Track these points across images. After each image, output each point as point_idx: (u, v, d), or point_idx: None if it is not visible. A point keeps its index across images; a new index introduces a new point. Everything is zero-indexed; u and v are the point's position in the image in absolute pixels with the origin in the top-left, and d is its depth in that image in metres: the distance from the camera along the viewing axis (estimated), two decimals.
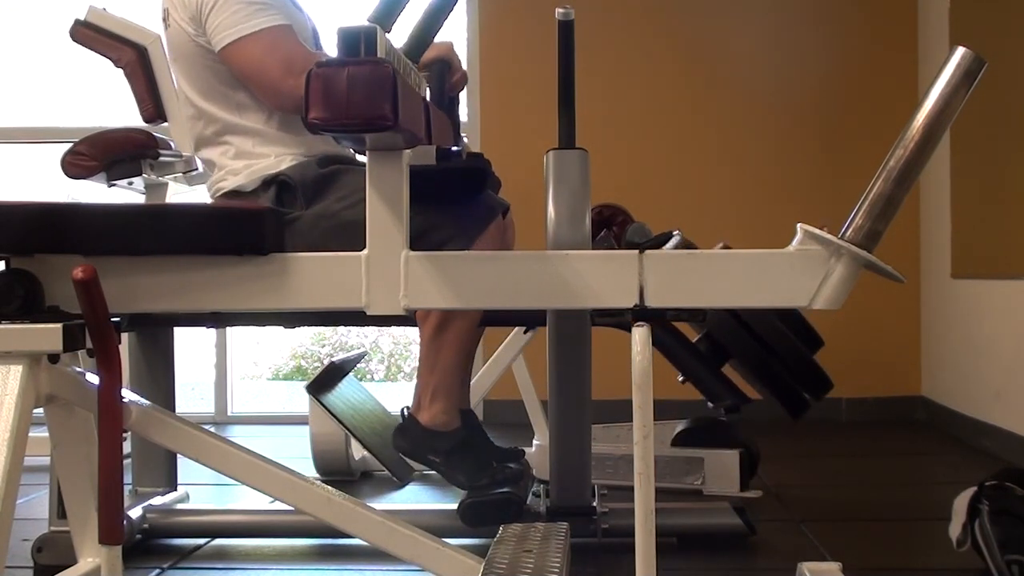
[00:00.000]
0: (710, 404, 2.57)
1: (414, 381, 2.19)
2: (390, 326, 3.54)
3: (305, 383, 2.93)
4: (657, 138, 4.53)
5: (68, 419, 1.54)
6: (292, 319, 2.35)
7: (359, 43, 1.30)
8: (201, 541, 2.41)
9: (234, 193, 2.10)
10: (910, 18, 4.46)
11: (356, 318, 2.41)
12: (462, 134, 1.94)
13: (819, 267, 1.43)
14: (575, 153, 2.14)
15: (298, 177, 2.03)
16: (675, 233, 2.11)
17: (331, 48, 2.24)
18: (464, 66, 2.16)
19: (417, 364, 2.18)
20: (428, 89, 2.03)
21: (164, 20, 2.14)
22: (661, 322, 2.10)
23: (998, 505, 1.93)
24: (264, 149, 2.10)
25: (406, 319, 2.15)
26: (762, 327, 2.17)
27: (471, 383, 3.01)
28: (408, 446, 2.16)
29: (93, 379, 1.47)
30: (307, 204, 2.00)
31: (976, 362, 3.79)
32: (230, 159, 2.12)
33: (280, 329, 2.47)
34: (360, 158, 1.48)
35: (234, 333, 4.80)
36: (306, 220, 1.96)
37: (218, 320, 2.45)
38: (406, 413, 2.16)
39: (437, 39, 2.11)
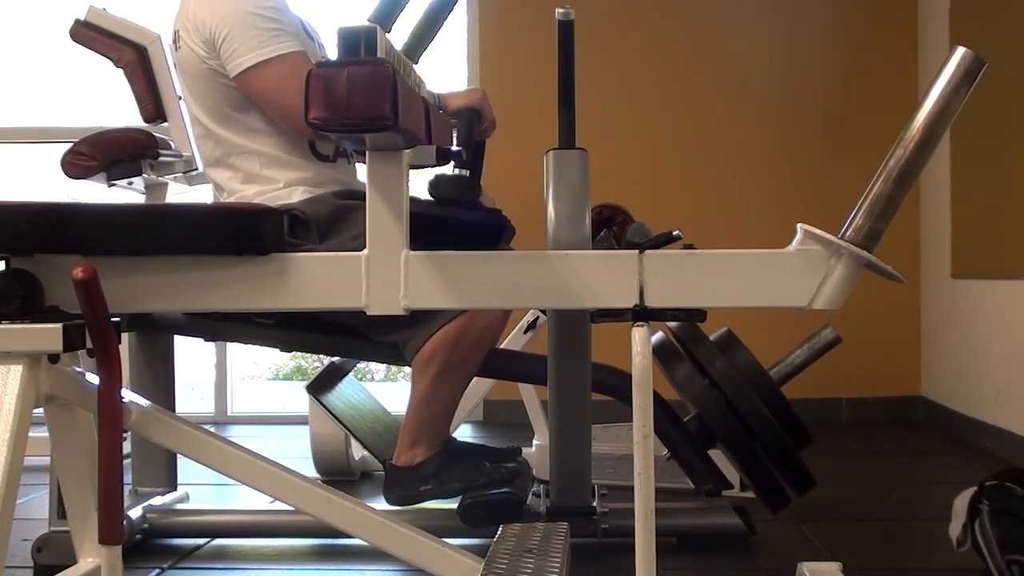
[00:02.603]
0: (691, 485, 2.58)
1: (401, 428, 2.17)
2: (387, 364, 3.54)
3: (305, 383, 2.93)
4: (657, 138, 4.53)
5: (68, 419, 1.54)
6: (289, 343, 2.35)
7: (359, 43, 1.30)
8: (201, 541, 2.41)
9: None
10: (910, 18, 4.46)
11: (352, 351, 2.41)
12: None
13: (819, 267, 1.43)
14: (575, 153, 2.14)
15: (311, 212, 2.02)
16: (676, 233, 2.11)
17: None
18: (465, 66, 2.17)
19: (407, 409, 2.14)
20: (455, 135, 2.03)
21: (174, 42, 2.15)
22: (657, 398, 2.10)
23: (998, 505, 1.93)
24: (271, 172, 2.11)
25: (402, 361, 2.14)
26: (752, 417, 2.18)
27: (471, 384, 3.01)
28: (399, 491, 2.13)
29: (93, 379, 1.46)
30: (320, 239, 2.00)
31: (976, 362, 3.79)
32: (239, 184, 2.12)
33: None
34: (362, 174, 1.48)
35: None
36: None
37: (216, 334, 2.45)
38: (387, 466, 2.16)
39: (468, 84, 2.11)
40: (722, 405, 2.20)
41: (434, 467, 2.10)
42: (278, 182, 2.10)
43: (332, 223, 2.02)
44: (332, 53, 2.25)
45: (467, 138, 2.04)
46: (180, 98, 2.87)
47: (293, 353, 7.80)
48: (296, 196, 2.08)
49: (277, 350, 2.44)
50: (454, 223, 1.71)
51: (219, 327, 2.31)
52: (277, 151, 2.11)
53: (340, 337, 2.22)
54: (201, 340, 2.50)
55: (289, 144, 2.12)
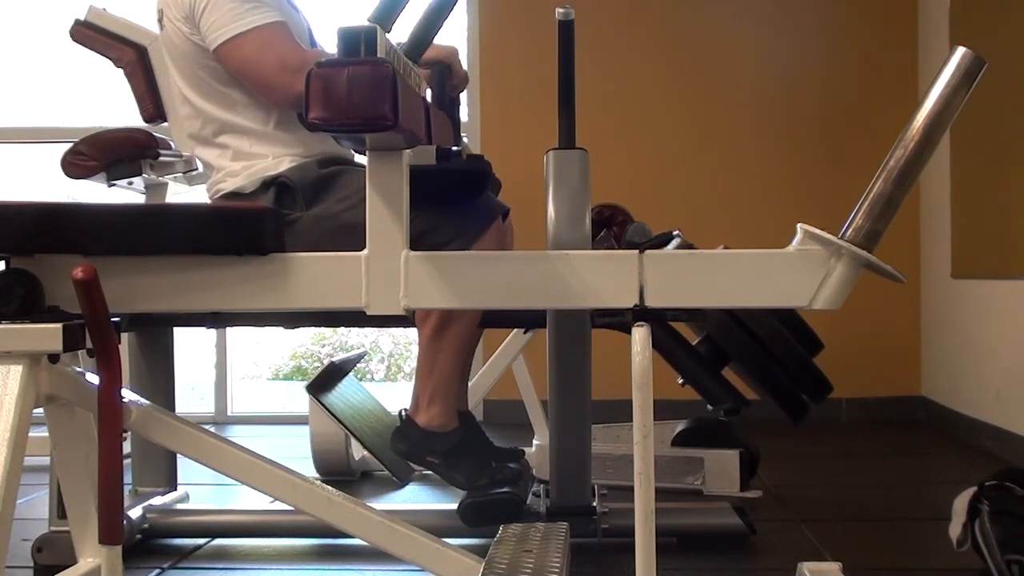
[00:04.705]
0: (709, 407, 2.57)
1: (413, 381, 2.19)
2: (389, 327, 3.57)
3: (305, 383, 2.93)
4: (657, 138, 4.53)
5: (68, 419, 1.54)
6: (292, 320, 2.35)
7: (359, 43, 1.30)
8: (201, 541, 2.41)
9: (233, 195, 2.10)
10: (910, 18, 4.46)
11: (356, 319, 2.41)
12: (462, 134, 1.96)
13: (819, 267, 1.43)
14: (575, 153, 2.14)
15: (297, 179, 2.03)
16: (675, 233, 2.12)
17: (327, 46, 2.26)
18: (465, 66, 2.18)
19: (416, 365, 2.18)
20: (429, 89, 2.05)
21: (159, 21, 2.15)
22: (661, 324, 2.10)
23: (998, 505, 1.93)
24: (261, 149, 2.10)
25: (405, 320, 2.15)
26: (761, 330, 2.17)
27: (471, 383, 3.02)
28: (406, 448, 2.16)
29: (93, 379, 1.46)
30: (307, 205, 2.00)
31: (976, 362, 3.79)
32: (228, 161, 2.12)
33: (280, 329, 2.47)
34: (359, 158, 1.47)
35: (234, 333, 4.81)
36: (306, 221, 1.96)
37: (218, 321, 2.45)
38: (404, 415, 2.17)
39: (442, 42, 2.15)
40: (729, 322, 2.19)
41: (448, 446, 2.11)
42: (266, 156, 2.10)
43: (317, 188, 2.02)
44: (315, 26, 2.27)
45: (440, 92, 2.05)
46: None
47: (293, 353, 7.82)
48: (283, 166, 2.08)
49: (281, 331, 2.44)
50: (438, 174, 1.71)
51: (220, 313, 2.30)
52: (265, 126, 2.11)
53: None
54: (203, 332, 2.50)
55: (278, 117, 2.11)
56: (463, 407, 2.17)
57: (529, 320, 2.63)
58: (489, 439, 2.22)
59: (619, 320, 1.50)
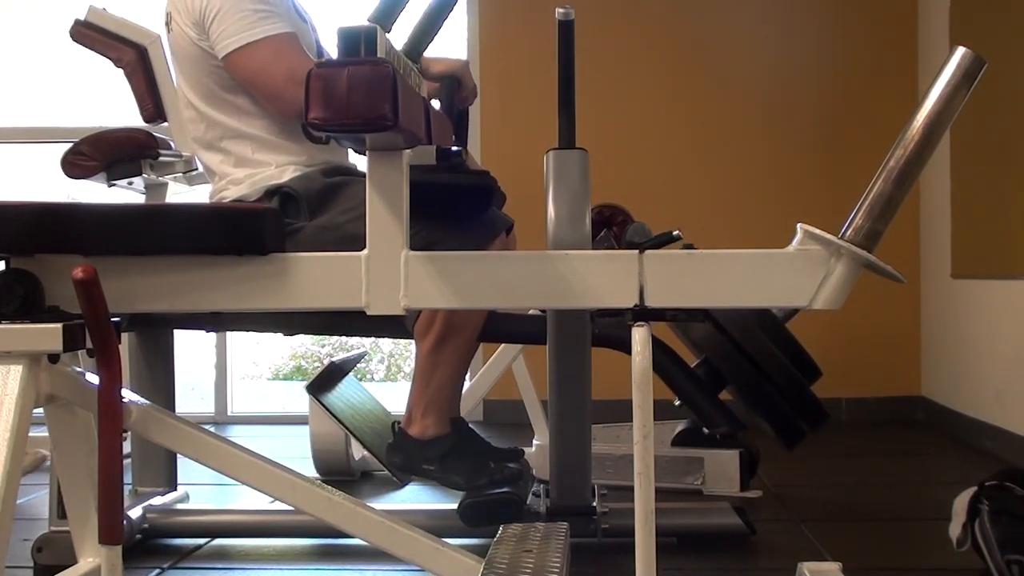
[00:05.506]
0: (705, 430, 2.57)
1: (408, 393, 2.19)
2: (388, 338, 3.58)
3: (305, 383, 2.93)
4: (657, 138, 4.53)
5: (68, 419, 1.54)
6: (290, 325, 2.35)
7: (359, 43, 1.30)
8: (201, 541, 2.41)
9: (237, 203, 2.10)
10: (910, 18, 4.46)
11: (354, 328, 2.41)
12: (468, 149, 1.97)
13: (819, 267, 1.43)
14: (575, 153, 2.14)
15: (302, 188, 2.03)
16: (676, 233, 2.12)
17: (332, 51, 2.26)
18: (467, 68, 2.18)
19: (412, 377, 2.18)
20: (438, 101, 2.06)
21: (167, 24, 2.14)
22: (660, 345, 2.11)
23: (998, 505, 1.93)
24: (263, 156, 2.10)
25: (404, 332, 2.15)
26: (760, 355, 2.17)
27: (471, 385, 3.02)
28: (402, 460, 2.16)
29: (93, 379, 1.46)
30: (311, 215, 2.00)
31: (976, 362, 3.79)
32: (231, 167, 2.12)
33: None
34: (363, 167, 1.47)
35: (234, 333, 4.81)
36: (309, 231, 1.96)
37: (217, 324, 2.45)
38: (397, 429, 2.17)
39: (451, 55, 2.15)
40: (728, 346, 2.20)
41: (442, 450, 2.11)
42: (270, 165, 2.10)
43: (322, 199, 2.02)
44: (323, 36, 2.28)
45: (450, 104, 2.06)
46: None
47: (293, 353, 7.83)
48: (287, 175, 2.08)
49: (280, 335, 2.45)
50: (444, 187, 1.71)
51: (220, 316, 2.30)
52: (269, 134, 2.10)
53: (341, 316, 2.21)
54: (203, 333, 2.50)
55: (281, 126, 2.11)
56: (455, 414, 2.17)
57: (529, 337, 2.64)
58: (486, 440, 2.22)
59: (618, 336, 1.50)
